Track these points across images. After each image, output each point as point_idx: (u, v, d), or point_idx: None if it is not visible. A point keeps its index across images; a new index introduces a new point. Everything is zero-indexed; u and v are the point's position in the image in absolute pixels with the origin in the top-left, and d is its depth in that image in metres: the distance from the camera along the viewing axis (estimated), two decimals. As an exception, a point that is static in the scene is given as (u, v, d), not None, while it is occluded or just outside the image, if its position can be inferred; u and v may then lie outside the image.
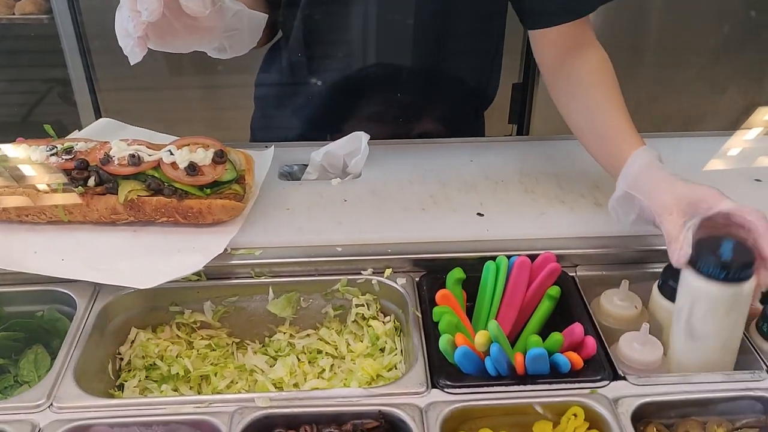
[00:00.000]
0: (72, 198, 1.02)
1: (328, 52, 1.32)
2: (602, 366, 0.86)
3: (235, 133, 1.45)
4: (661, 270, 0.98)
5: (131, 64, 0.91)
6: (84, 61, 2.32)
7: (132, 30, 0.89)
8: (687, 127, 2.39)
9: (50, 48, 2.38)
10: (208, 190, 1.04)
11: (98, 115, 2.38)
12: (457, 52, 1.29)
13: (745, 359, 0.91)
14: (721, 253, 0.85)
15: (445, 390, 0.84)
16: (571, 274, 1.02)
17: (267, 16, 1.16)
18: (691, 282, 0.87)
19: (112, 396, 0.95)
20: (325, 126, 1.35)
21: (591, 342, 0.86)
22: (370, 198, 1.15)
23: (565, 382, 0.84)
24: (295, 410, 0.83)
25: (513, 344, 0.93)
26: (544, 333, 0.90)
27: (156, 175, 1.03)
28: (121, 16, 0.91)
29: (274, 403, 0.83)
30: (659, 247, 1.05)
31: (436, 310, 0.92)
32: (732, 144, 1.36)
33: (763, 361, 0.89)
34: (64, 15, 2.29)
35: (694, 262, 0.86)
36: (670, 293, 0.95)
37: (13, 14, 2.50)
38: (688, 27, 2.27)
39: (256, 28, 1.15)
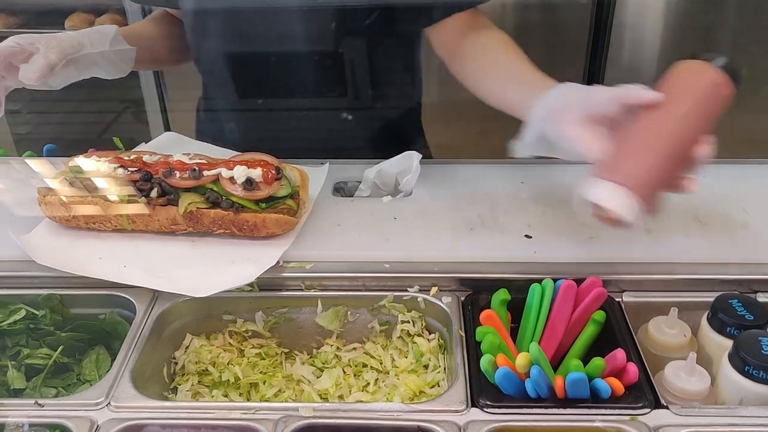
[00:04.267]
0: (136, 208, 1.08)
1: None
2: (644, 393, 0.85)
3: (293, 153, 1.50)
4: (711, 299, 0.96)
5: None
6: (156, 73, 2.44)
7: None
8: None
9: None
10: (264, 205, 1.08)
11: (168, 133, 2.52)
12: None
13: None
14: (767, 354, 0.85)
15: (485, 409, 0.85)
16: (617, 299, 1.01)
17: (134, 49, 1.28)
18: (739, 380, 0.86)
19: (165, 398, 0.99)
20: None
21: (633, 369, 0.86)
22: (419, 216, 1.17)
23: (605, 408, 0.84)
24: (337, 421, 0.86)
25: (556, 367, 0.94)
26: (587, 357, 0.90)
27: (215, 188, 1.08)
28: None
29: (317, 414, 0.86)
30: (711, 276, 1.03)
31: (479, 330, 0.93)
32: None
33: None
34: (139, 29, 2.41)
35: (740, 365, 0.86)
36: (719, 326, 0.94)
37: (93, 29, 2.64)
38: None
39: (126, 60, 1.28)
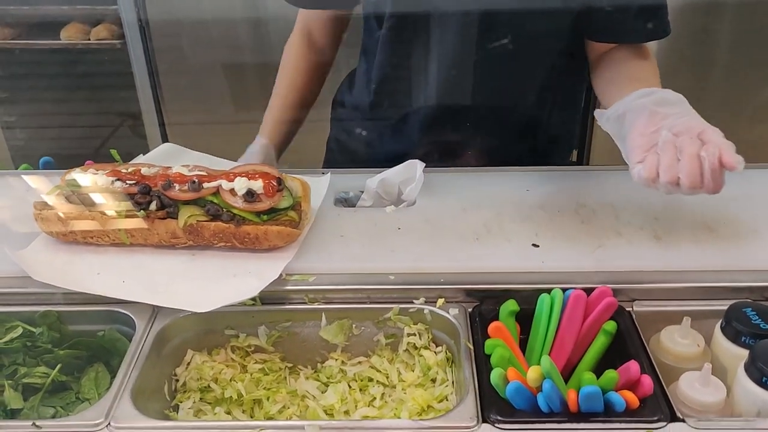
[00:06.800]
0: (134, 222, 1.06)
1: (396, 89, 1.38)
2: (659, 406, 0.83)
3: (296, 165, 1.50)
4: (724, 307, 0.94)
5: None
6: (153, 86, 2.42)
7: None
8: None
9: (122, 72, 2.49)
10: (265, 217, 1.06)
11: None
12: (518, 96, 1.36)
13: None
14: None
15: (496, 425, 0.83)
16: (627, 309, 0.99)
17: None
18: (756, 392, 0.84)
19: (167, 417, 0.97)
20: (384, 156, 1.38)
21: (647, 381, 0.84)
22: (424, 226, 1.15)
23: (620, 422, 0.82)
24: (344, 439, 0.84)
25: (567, 380, 0.91)
26: (599, 369, 0.88)
27: (215, 200, 1.06)
28: None
29: (323, 432, 0.84)
30: (722, 284, 1.02)
31: (488, 342, 0.91)
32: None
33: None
34: (135, 40, 2.40)
35: (757, 376, 0.84)
36: (733, 335, 0.92)
37: (89, 40, 2.63)
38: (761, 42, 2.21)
39: None
